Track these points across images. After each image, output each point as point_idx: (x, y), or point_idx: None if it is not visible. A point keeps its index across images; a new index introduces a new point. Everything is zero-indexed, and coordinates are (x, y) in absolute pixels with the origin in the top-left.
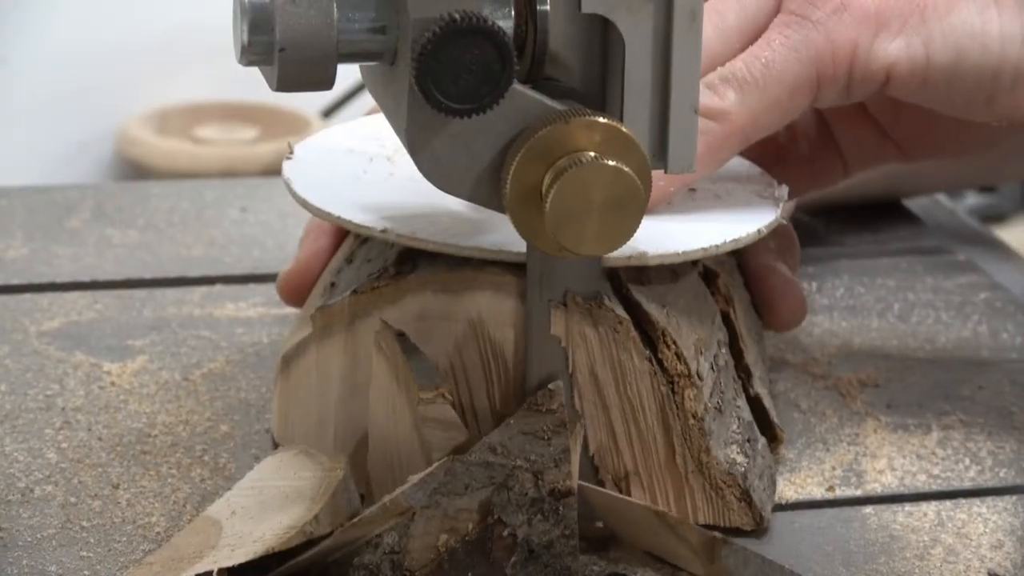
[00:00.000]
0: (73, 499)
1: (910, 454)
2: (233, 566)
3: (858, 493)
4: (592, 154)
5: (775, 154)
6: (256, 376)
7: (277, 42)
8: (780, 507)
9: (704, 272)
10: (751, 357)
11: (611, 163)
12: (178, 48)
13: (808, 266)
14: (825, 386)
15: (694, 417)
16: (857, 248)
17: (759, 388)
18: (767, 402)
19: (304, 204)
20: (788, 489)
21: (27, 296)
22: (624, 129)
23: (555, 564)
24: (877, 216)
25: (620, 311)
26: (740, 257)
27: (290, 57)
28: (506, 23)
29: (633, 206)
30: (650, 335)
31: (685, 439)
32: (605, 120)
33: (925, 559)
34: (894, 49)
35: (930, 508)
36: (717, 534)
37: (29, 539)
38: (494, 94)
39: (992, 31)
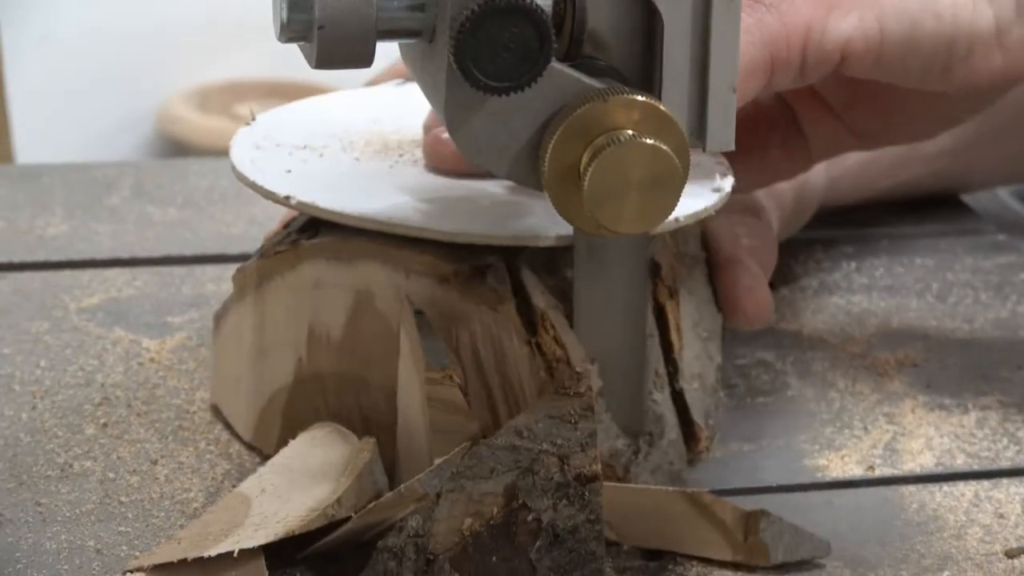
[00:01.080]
0: (112, 474)
1: (948, 434)
2: (259, 546)
3: (896, 472)
4: (630, 132)
5: (737, 140)
6: None
7: (316, 20)
8: (818, 486)
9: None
10: (687, 352)
11: (649, 141)
12: (219, 26)
13: (847, 246)
14: (863, 365)
15: None
16: (897, 228)
17: (685, 384)
18: (690, 398)
19: (233, 169)
20: (827, 468)
21: (67, 273)
22: (662, 107)
23: (580, 549)
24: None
25: (503, 290)
26: (709, 250)
27: (329, 35)
28: (545, 1)
29: (671, 185)
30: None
31: None
32: (643, 98)
33: (962, 539)
34: (847, 27)
35: (967, 488)
36: (756, 507)
37: (68, 514)
38: (532, 72)
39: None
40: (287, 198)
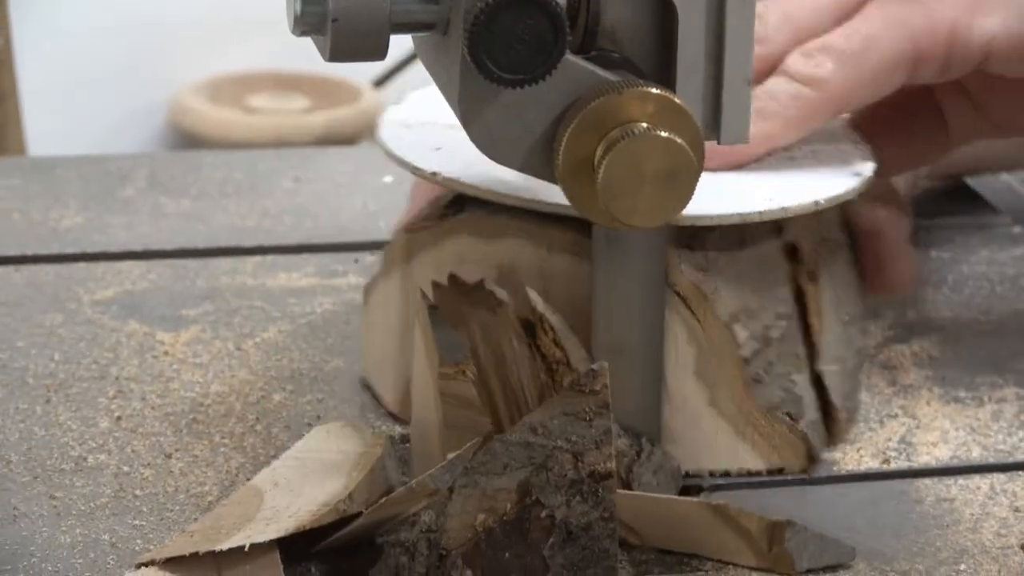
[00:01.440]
0: (126, 468)
1: (963, 427)
2: (272, 540)
3: (911, 465)
4: (644, 125)
5: (881, 126)
6: (309, 346)
7: (330, 12)
8: (833, 479)
9: (787, 245)
10: (827, 336)
11: (663, 134)
12: (230, 17)
13: None
14: (878, 358)
15: None
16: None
17: (825, 367)
18: (829, 381)
19: (382, 146)
20: (841, 461)
21: (81, 265)
22: (677, 100)
23: (593, 547)
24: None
25: (501, 293)
26: (851, 225)
27: (343, 28)
28: None
29: (685, 177)
30: (531, 320)
31: None
32: (658, 91)
33: (977, 532)
34: (992, 25)
35: (983, 481)
36: (780, 518)
37: (83, 507)
38: (547, 65)
39: None
40: (433, 174)
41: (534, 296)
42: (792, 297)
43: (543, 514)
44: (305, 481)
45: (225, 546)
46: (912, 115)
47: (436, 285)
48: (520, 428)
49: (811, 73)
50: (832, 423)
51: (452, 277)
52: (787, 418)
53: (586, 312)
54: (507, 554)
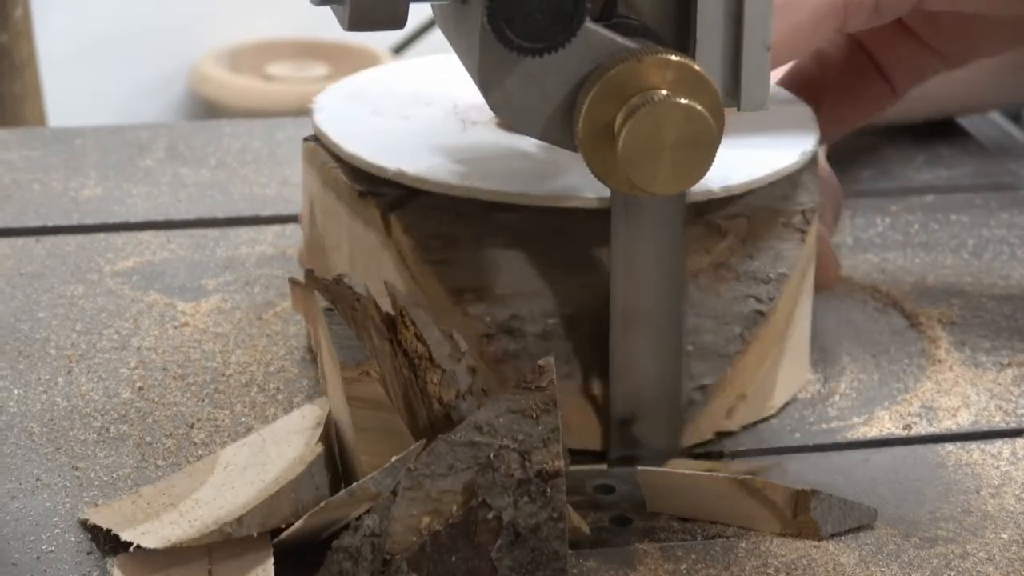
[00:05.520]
0: (148, 438)
1: (984, 392)
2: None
3: (933, 431)
4: (664, 92)
5: (813, 88)
6: None
7: None
8: (854, 445)
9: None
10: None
11: (683, 101)
12: None
13: (881, 200)
14: (899, 323)
15: (440, 402)
16: (931, 184)
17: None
18: None
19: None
20: (863, 427)
21: (101, 236)
22: (696, 67)
23: (543, 548)
24: (937, 143)
25: (360, 287)
26: None
27: None
28: None
29: (706, 144)
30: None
31: (432, 426)
32: (678, 58)
33: (999, 496)
34: None
35: (1005, 446)
36: (805, 487)
37: (105, 478)
38: (566, 33)
39: None
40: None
41: (393, 288)
42: None
43: (490, 515)
44: (244, 475)
45: (125, 537)
46: (847, 72)
47: (293, 282)
48: (465, 427)
49: None
50: None
51: (308, 272)
52: None
53: None
54: (453, 557)
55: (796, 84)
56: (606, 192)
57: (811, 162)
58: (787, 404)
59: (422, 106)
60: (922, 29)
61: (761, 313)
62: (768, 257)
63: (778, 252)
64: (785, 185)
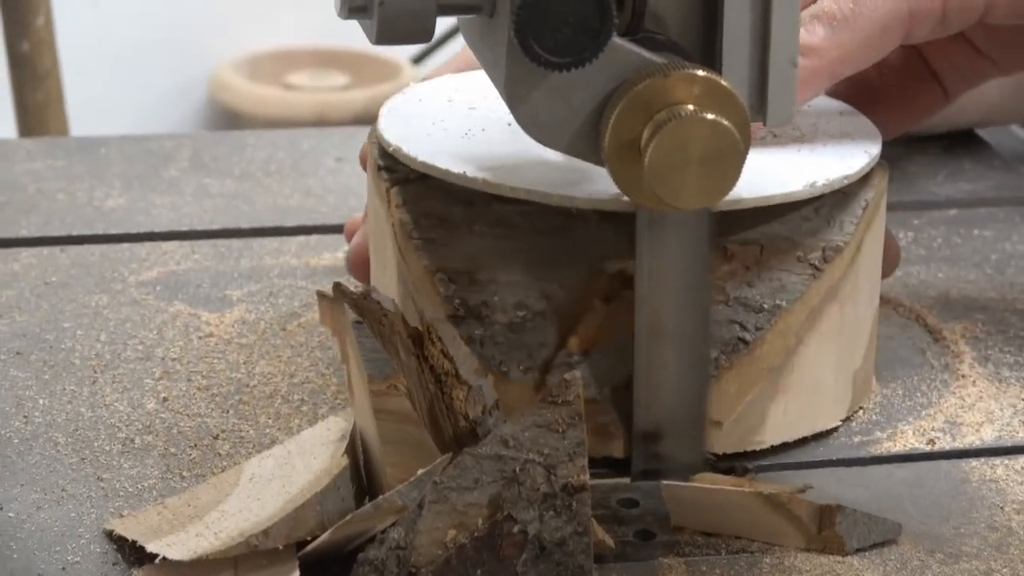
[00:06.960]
0: (173, 449)
1: (1008, 407)
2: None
3: (957, 446)
4: (691, 107)
5: (868, 93)
6: None
7: None
8: (879, 460)
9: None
10: None
11: (710, 116)
12: None
13: (904, 214)
14: (922, 338)
15: (465, 418)
16: (954, 198)
17: None
18: None
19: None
20: (887, 442)
21: (125, 246)
22: (723, 82)
23: (567, 563)
24: (960, 156)
25: (387, 302)
26: None
27: (390, 10)
28: None
29: (732, 159)
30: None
31: (457, 441)
32: (704, 73)
33: (1023, 513)
34: None
35: None
36: (830, 502)
37: (130, 489)
38: (593, 47)
39: None
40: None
41: (421, 309)
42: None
43: (515, 529)
44: (270, 486)
45: (151, 549)
46: (901, 77)
47: (321, 295)
48: (491, 440)
49: (803, 41)
50: None
51: (337, 286)
52: None
53: None
54: (479, 571)
55: (854, 89)
56: (623, 197)
57: (851, 200)
58: (798, 441)
59: (477, 110)
60: (978, 37)
61: (744, 341)
62: (768, 287)
63: (782, 284)
64: (815, 218)
